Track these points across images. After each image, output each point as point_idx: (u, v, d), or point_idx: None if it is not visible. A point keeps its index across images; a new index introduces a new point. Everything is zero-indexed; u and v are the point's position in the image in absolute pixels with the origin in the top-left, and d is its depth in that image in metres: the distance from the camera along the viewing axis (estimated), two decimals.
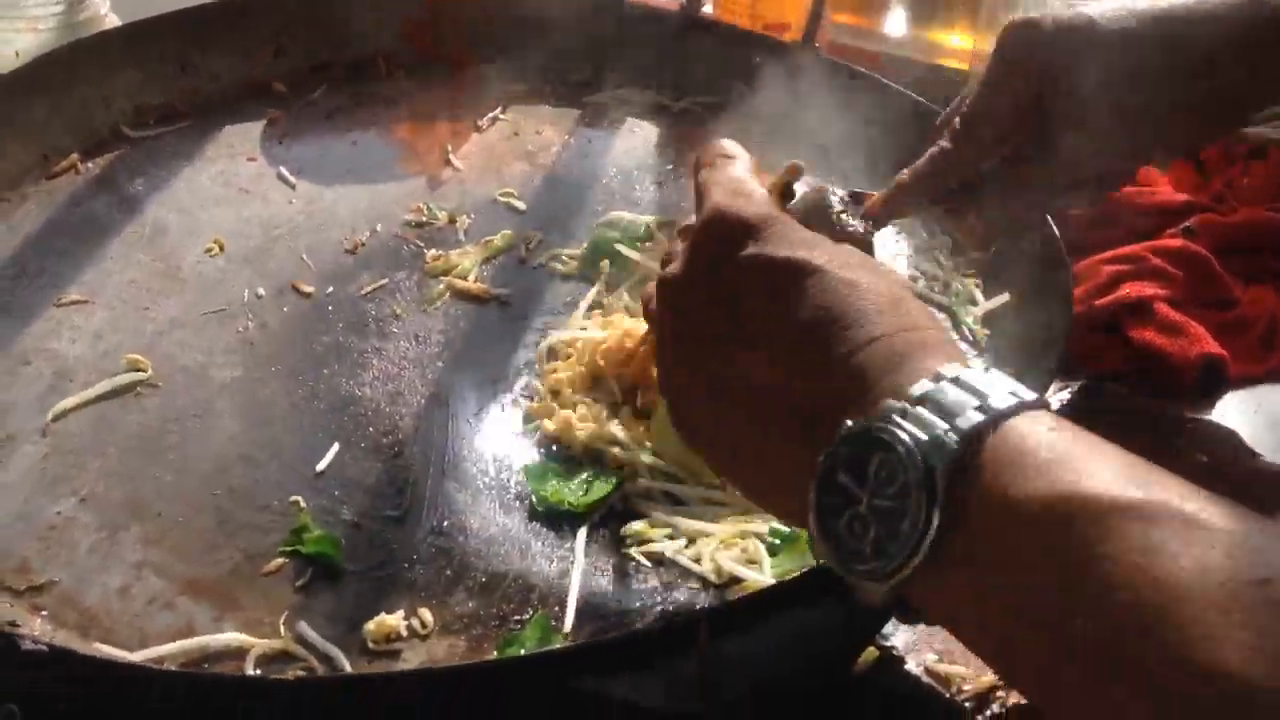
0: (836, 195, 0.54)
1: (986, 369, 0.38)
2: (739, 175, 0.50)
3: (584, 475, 0.61)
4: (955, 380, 0.37)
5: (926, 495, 0.35)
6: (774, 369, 0.42)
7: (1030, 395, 0.37)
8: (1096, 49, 0.58)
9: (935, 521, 0.35)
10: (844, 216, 0.53)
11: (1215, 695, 0.29)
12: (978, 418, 0.36)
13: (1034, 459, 0.34)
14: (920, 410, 0.37)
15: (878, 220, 0.59)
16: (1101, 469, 0.34)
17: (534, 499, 0.60)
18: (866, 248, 0.52)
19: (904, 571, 0.35)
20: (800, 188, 0.52)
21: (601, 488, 0.60)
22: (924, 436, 0.36)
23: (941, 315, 0.71)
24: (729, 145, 0.52)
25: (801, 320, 0.42)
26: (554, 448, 0.63)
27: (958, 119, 0.61)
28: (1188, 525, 0.32)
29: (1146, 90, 0.58)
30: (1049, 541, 0.33)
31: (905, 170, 0.61)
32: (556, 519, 0.59)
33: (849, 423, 0.38)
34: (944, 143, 0.61)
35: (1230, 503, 0.33)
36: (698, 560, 0.56)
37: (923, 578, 0.36)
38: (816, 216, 0.52)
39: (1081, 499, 0.33)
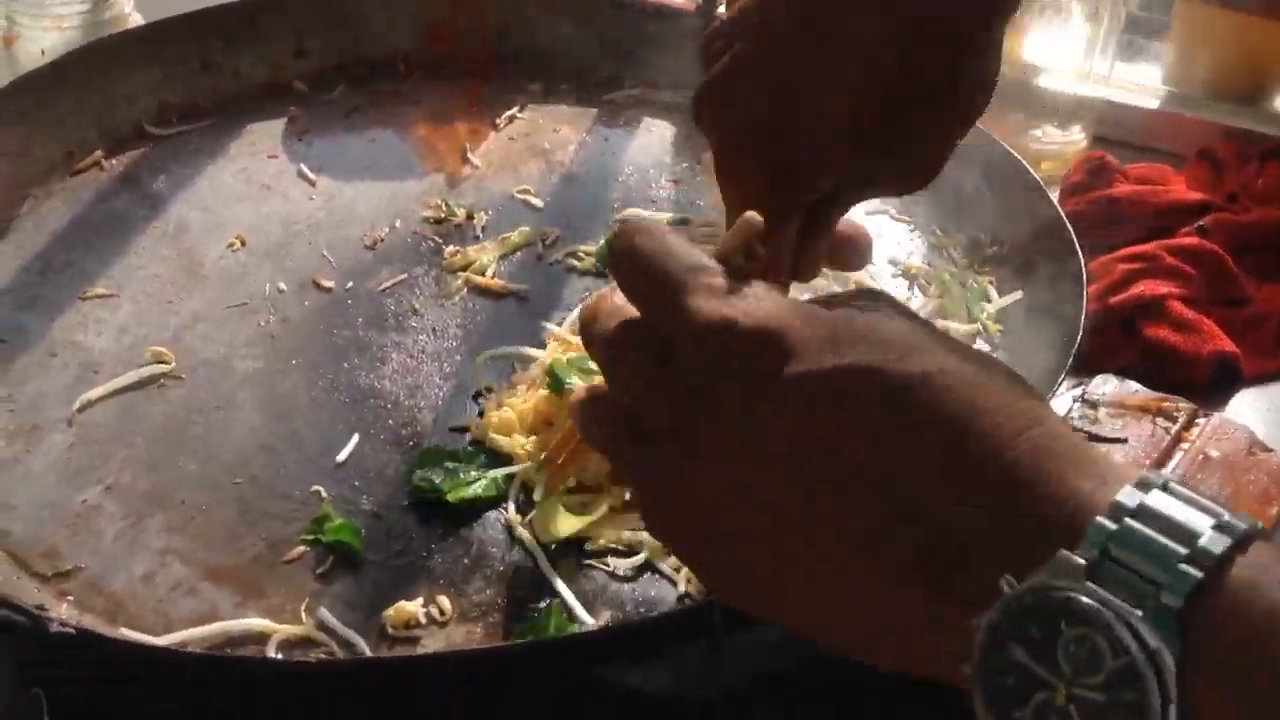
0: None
1: (1164, 484, 0.29)
2: (694, 256, 0.38)
3: (476, 468, 0.61)
4: (1139, 513, 0.29)
5: (1157, 686, 0.27)
6: (845, 507, 0.33)
7: (1237, 519, 0.29)
8: None
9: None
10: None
11: None
12: (1194, 574, 0.28)
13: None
14: (1111, 566, 0.28)
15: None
16: None
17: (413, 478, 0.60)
18: None
19: None
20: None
21: (485, 488, 0.60)
22: (1135, 611, 0.28)
23: (940, 322, 0.72)
24: (642, 223, 0.41)
25: (877, 443, 0.33)
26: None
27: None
28: None
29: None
30: None
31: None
32: None
33: (1007, 587, 0.29)
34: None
35: None
36: (677, 569, 0.56)
37: None
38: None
39: None
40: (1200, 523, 0.28)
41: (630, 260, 0.38)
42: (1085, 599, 0.28)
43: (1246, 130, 0.95)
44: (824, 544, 0.33)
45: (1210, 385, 0.75)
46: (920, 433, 0.32)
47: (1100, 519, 0.29)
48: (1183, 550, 0.28)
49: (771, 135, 0.45)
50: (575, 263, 0.78)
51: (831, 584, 0.34)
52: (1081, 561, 0.28)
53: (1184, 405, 0.63)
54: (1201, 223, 0.83)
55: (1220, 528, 0.28)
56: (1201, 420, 0.62)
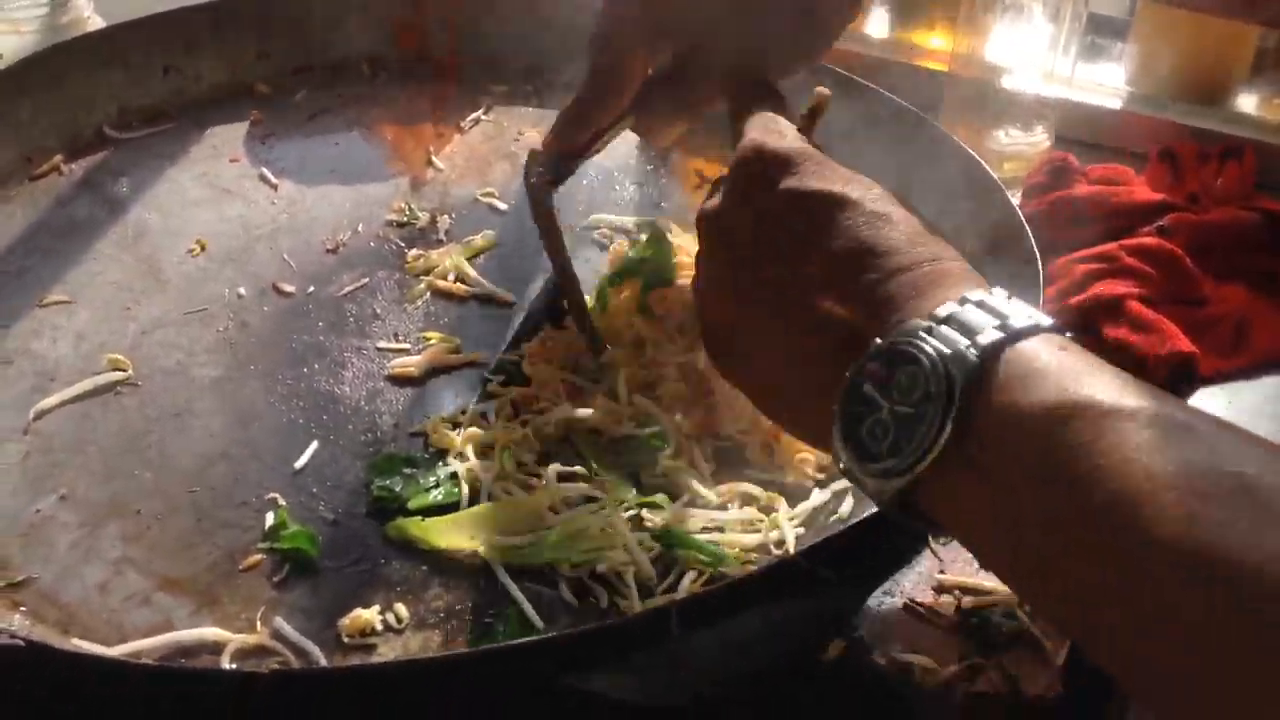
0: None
1: (1009, 296, 0.41)
2: (771, 114, 0.54)
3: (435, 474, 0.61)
4: (978, 303, 0.40)
5: (945, 402, 0.38)
6: (808, 294, 0.45)
7: (1047, 320, 0.40)
8: None
9: (949, 427, 0.38)
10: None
11: (1187, 572, 0.32)
12: (996, 335, 0.39)
13: (1041, 372, 0.37)
14: (945, 329, 0.40)
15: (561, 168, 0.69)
16: (1102, 381, 0.37)
17: (372, 487, 0.60)
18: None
19: (915, 470, 0.39)
20: None
21: (447, 494, 0.60)
22: (947, 350, 0.39)
23: None
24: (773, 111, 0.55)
25: (835, 249, 0.45)
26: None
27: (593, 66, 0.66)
28: (1177, 428, 0.35)
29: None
30: (1048, 443, 0.36)
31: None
32: None
33: (878, 340, 0.42)
34: (585, 91, 0.67)
35: (1218, 418, 0.36)
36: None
37: (933, 482, 0.39)
38: None
39: (1080, 404, 0.36)
40: (1018, 311, 0.40)
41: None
42: (918, 343, 0.40)
43: (1207, 130, 0.95)
44: (781, 325, 0.47)
45: (1168, 385, 0.75)
46: (860, 248, 0.45)
47: (949, 301, 0.41)
48: (995, 322, 0.39)
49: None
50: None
51: (779, 361, 0.47)
52: (924, 324, 0.40)
53: None
54: (1161, 223, 0.84)
55: (1031, 318, 0.40)
56: None
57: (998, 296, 0.41)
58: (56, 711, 0.48)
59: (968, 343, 0.39)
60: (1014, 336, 0.39)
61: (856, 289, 0.44)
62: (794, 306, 0.46)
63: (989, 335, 0.39)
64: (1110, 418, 0.35)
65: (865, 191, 0.47)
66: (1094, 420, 0.35)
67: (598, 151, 0.70)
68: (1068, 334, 0.40)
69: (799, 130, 0.54)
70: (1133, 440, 0.34)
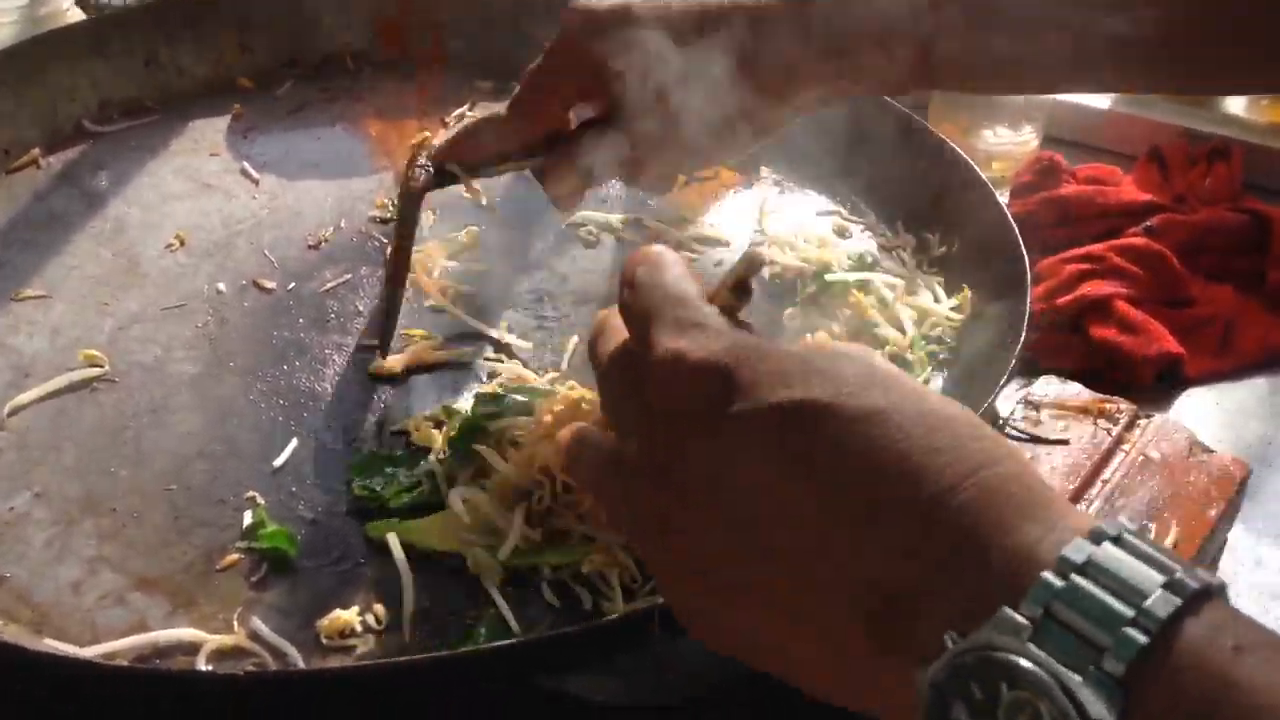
0: None
1: (1116, 536, 0.29)
2: (680, 289, 0.38)
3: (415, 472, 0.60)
4: (1086, 569, 0.28)
5: None
6: (795, 556, 0.32)
7: (1188, 578, 0.27)
8: (642, 43, 0.58)
9: None
10: None
11: None
12: (1139, 640, 0.27)
13: (1231, 704, 0.26)
14: (1054, 628, 0.27)
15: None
16: None
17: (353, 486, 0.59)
18: None
19: None
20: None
21: (430, 491, 0.58)
22: (1074, 677, 0.27)
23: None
24: (656, 251, 0.41)
25: (830, 483, 0.32)
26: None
27: (517, 90, 0.64)
28: None
29: (692, 87, 0.58)
30: None
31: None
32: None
33: (951, 643, 0.28)
34: (500, 110, 0.65)
35: None
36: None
37: None
38: None
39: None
40: (1149, 581, 0.27)
41: (629, 286, 0.40)
42: (1026, 663, 0.27)
43: (1195, 131, 0.95)
44: (774, 592, 0.33)
45: (1155, 385, 0.75)
46: (865, 472, 0.31)
47: (1046, 575, 0.28)
48: (1129, 612, 0.27)
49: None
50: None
51: (783, 626, 0.33)
52: (1024, 621, 0.28)
53: (1125, 407, 0.63)
54: (1149, 223, 0.83)
55: (1170, 586, 0.27)
56: (1143, 422, 0.62)
57: (1108, 548, 0.28)
58: (27, 712, 0.48)
59: (1096, 654, 0.27)
60: (1160, 635, 0.27)
61: (868, 540, 0.31)
62: (796, 580, 0.33)
63: (1128, 642, 0.26)
64: None
65: (840, 388, 0.33)
66: None
67: (485, 175, 0.69)
68: (1221, 591, 0.28)
69: (719, 306, 0.39)
70: None
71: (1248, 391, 0.77)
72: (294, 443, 0.63)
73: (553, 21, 0.97)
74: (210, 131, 0.90)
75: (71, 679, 0.47)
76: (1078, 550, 0.28)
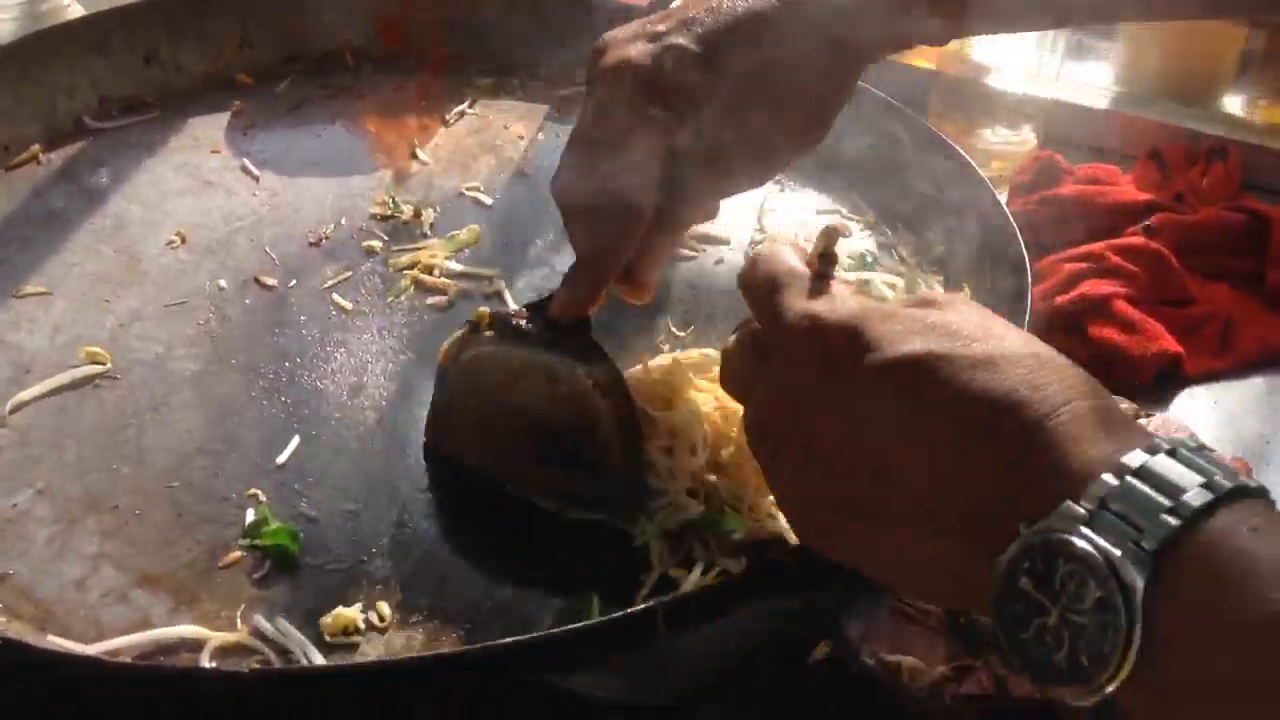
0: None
1: (1171, 449, 0.34)
2: (796, 264, 0.46)
3: None
4: (1139, 473, 0.34)
5: (1126, 615, 0.32)
6: (920, 478, 0.39)
7: (1226, 479, 0.33)
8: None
9: (1136, 642, 0.32)
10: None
11: None
12: (1172, 523, 0.33)
13: (1240, 569, 0.31)
14: (1106, 515, 0.33)
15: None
16: None
17: None
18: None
19: (1107, 689, 0.33)
20: None
21: None
22: (1115, 551, 0.33)
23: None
24: (774, 250, 0.47)
25: (945, 421, 0.38)
26: None
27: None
28: None
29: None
30: (1270, 667, 0.31)
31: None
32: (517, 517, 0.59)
33: (1024, 530, 0.35)
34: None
35: None
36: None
37: (1129, 690, 0.33)
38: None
39: None
40: (1190, 481, 0.33)
41: (750, 273, 0.47)
42: (1080, 541, 0.33)
43: (1194, 131, 0.96)
44: (897, 508, 0.39)
45: (1154, 385, 0.75)
46: (980, 405, 0.37)
47: (1105, 476, 0.34)
48: (1167, 503, 0.33)
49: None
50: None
51: (900, 540, 0.39)
52: (1081, 510, 0.34)
53: (1126, 405, 0.63)
54: (1148, 222, 0.84)
55: (1207, 485, 0.33)
56: (1144, 420, 0.62)
57: (1161, 457, 0.34)
58: (28, 711, 0.48)
59: (1137, 535, 0.33)
60: (1195, 519, 0.32)
61: (980, 461, 0.37)
62: (911, 495, 0.39)
63: (1162, 525, 0.32)
64: None
65: (955, 341, 0.39)
66: None
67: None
68: (1262, 492, 0.34)
69: (815, 274, 0.46)
70: None
71: (1246, 391, 0.77)
72: (295, 440, 0.63)
73: (550, 18, 0.98)
74: (210, 128, 0.90)
75: (75, 677, 0.47)
76: (1134, 458, 0.34)
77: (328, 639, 0.52)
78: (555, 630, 0.52)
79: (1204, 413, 0.75)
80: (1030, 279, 0.67)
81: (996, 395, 0.37)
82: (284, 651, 0.51)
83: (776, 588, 0.50)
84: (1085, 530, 0.34)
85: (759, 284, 0.46)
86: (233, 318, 0.71)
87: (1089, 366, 0.72)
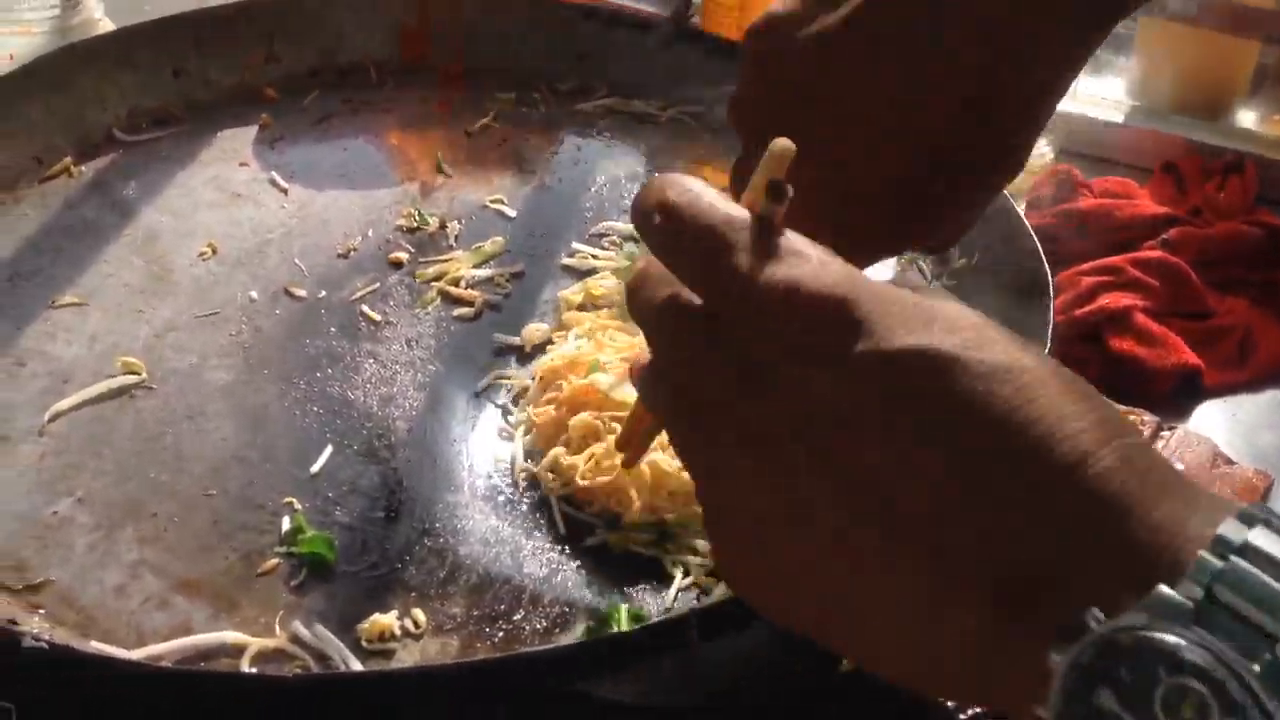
0: None
1: (1269, 520, 0.26)
2: (732, 209, 0.33)
3: None
4: (1246, 551, 0.25)
5: None
6: (925, 518, 0.29)
7: None
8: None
9: None
10: None
11: None
12: None
13: None
14: (1217, 611, 0.25)
15: None
16: None
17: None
18: None
19: None
20: None
21: None
22: (1253, 666, 0.24)
23: None
24: (673, 175, 0.34)
25: (953, 447, 0.29)
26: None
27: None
28: None
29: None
30: None
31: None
32: (547, 523, 0.60)
33: (1097, 618, 0.26)
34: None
35: None
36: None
37: None
38: None
39: None
40: None
41: (664, 218, 0.33)
42: (1193, 647, 0.25)
43: (1209, 144, 0.96)
44: (886, 556, 0.29)
45: (1173, 397, 0.76)
46: (999, 432, 0.28)
47: (1205, 554, 0.25)
48: None
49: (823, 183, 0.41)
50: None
51: (891, 601, 0.29)
52: (1187, 603, 0.25)
53: (1149, 418, 0.64)
54: (1165, 236, 0.85)
55: None
56: (1166, 433, 0.63)
57: (1260, 530, 0.26)
58: (79, 714, 0.49)
59: (1261, 640, 0.24)
60: None
61: (1012, 502, 0.28)
62: (922, 541, 0.29)
63: None
64: None
65: (964, 339, 0.29)
66: None
67: None
68: None
69: (759, 217, 0.33)
70: None
71: (1265, 402, 0.78)
72: (329, 449, 0.64)
73: (571, 32, 0.99)
74: (238, 141, 0.91)
75: (122, 681, 0.48)
76: (1234, 531, 0.25)
77: (365, 645, 0.53)
78: (589, 640, 0.54)
79: (1223, 425, 0.76)
80: (1052, 292, 0.68)
81: (1017, 419, 0.28)
82: (322, 657, 0.52)
83: None
84: (1199, 632, 0.25)
85: (688, 242, 0.33)
86: (264, 329, 0.73)
87: (1109, 378, 0.73)
